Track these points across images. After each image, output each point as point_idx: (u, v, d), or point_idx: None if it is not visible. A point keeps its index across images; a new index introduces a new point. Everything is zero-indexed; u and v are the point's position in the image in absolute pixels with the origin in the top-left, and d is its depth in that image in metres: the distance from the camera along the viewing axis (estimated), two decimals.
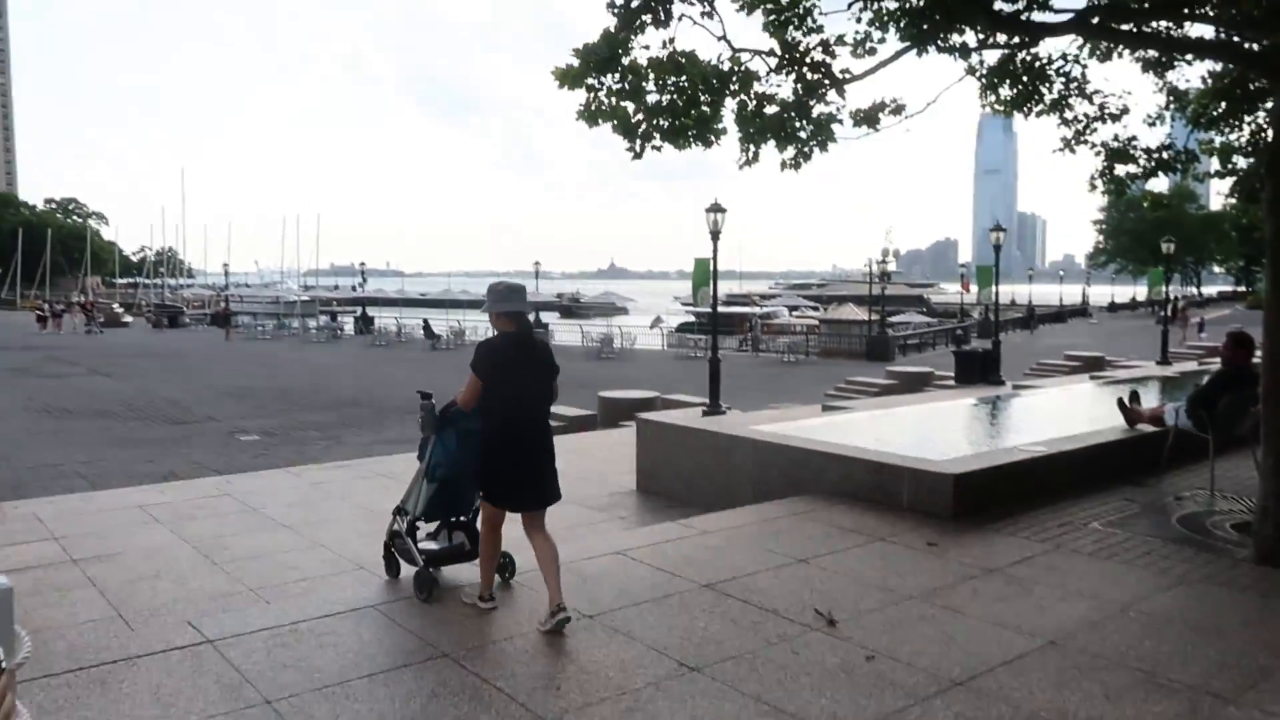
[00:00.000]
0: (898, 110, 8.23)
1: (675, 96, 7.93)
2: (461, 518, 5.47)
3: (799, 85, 8.11)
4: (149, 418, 19.31)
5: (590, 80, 7.48)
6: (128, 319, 57.90)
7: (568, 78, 7.44)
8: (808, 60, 7.81)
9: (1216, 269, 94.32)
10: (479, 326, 46.05)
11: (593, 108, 7.66)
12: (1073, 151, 11.05)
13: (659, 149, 7.87)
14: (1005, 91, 10.18)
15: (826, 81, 7.89)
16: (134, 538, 7.55)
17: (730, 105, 8.25)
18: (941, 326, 48.59)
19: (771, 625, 4.67)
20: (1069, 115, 10.67)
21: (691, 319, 57.71)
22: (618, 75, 7.55)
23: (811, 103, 8.00)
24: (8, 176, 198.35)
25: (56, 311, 52.33)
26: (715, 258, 16.41)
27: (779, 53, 7.95)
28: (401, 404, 21.90)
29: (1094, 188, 10.46)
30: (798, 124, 8.23)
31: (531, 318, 47.25)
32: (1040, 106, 10.51)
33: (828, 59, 7.90)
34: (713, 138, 8.04)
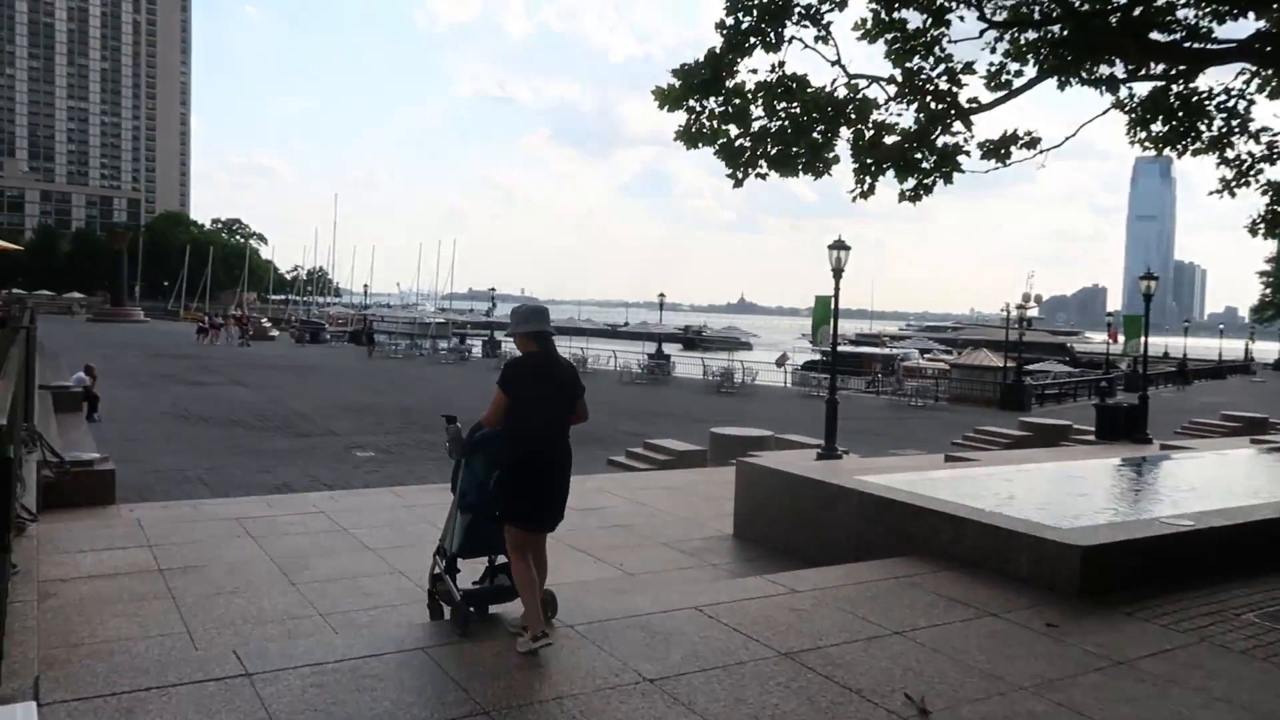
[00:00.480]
0: (1031, 144, 7.59)
1: (785, 123, 7.53)
2: (502, 558, 5.15)
3: (921, 114, 7.58)
4: (274, 428, 20.00)
5: (690, 102, 7.17)
6: (274, 333, 61.04)
7: (668, 98, 7.16)
8: (931, 89, 7.29)
9: None
10: (601, 355, 46.37)
11: (692, 130, 7.35)
12: (1232, 194, 10.16)
13: (764, 176, 7.47)
14: (1157, 127, 9.37)
15: (952, 112, 7.33)
16: (224, 550, 7.58)
17: (845, 134, 7.79)
18: (1084, 377, 45.86)
19: (853, 709, 4.13)
20: (1230, 154, 9.78)
21: (819, 357, 56.57)
22: (721, 98, 7.21)
23: (935, 133, 7.45)
24: (181, 198, 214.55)
25: (215, 324, 55.64)
26: (836, 295, 15.80)
27: (899, 80, 7.46)
28: None
29: (1255, 232, 9.47)
30: (919, 155, 7.69)
31: (653, 348, 47.33)
32: (1197, 145, 9.67)
33: (954, 88, 7.35)
34: (823, 166, 7.59)
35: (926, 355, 63.49)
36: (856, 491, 7.49)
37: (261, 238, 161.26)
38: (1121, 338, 65.06)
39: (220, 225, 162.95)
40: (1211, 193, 10.20)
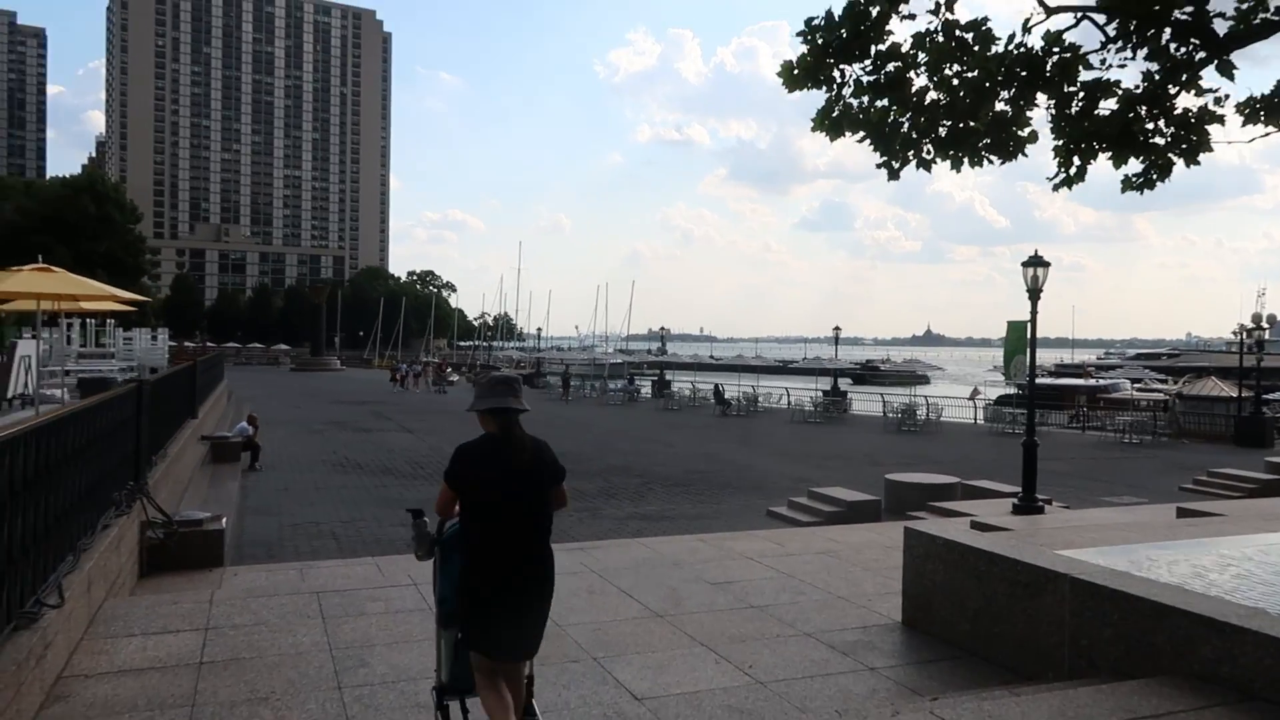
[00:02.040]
0: None
1: (960, 91, 5.73)
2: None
3: (1154, 65, 5.58)
4: (425, 475, 19.50)
5: (829, 73, 5.52)
6: (454, 378, 62.72)
7: (796, 75, 5.52)
8: (1170, 21, 5.26)
9: None
10: (773, 392, 44.38)
11: (834, 112, 5.65)
12: None
13: (929, 164, 5.69)
14: None
15: (1203, 52, 5.28)
16: (284, 635, 6.48)
17: (1042, 102, 5.89)
18: None
19: None
20: None
21: (1013, 391, 52.08)
22: (868, 64, 5.52)
23: (1173, 90, 5.46)
24: (381, 253, 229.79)
25: (416, 372, 57.83)
26: (1033, 320, 13.48)
27: (1120, 17, 5.49)
28: (670, 474, 20.57)
29: None
30: (1149, 125, 5.68)
31: (828, 384, 44.81)
32: None
33: (1201, 18, 5.31)
34: (1014, 147, 5.71)
35: (1137, 385, 57.23)
36: (1068, 577, 5.50)
37: (451, 287, 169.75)
38: None
39: (415, 277, 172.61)
40: None
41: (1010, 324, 15.66)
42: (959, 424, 36.91)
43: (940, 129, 5.73)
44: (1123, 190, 5.96)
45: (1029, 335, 13.61)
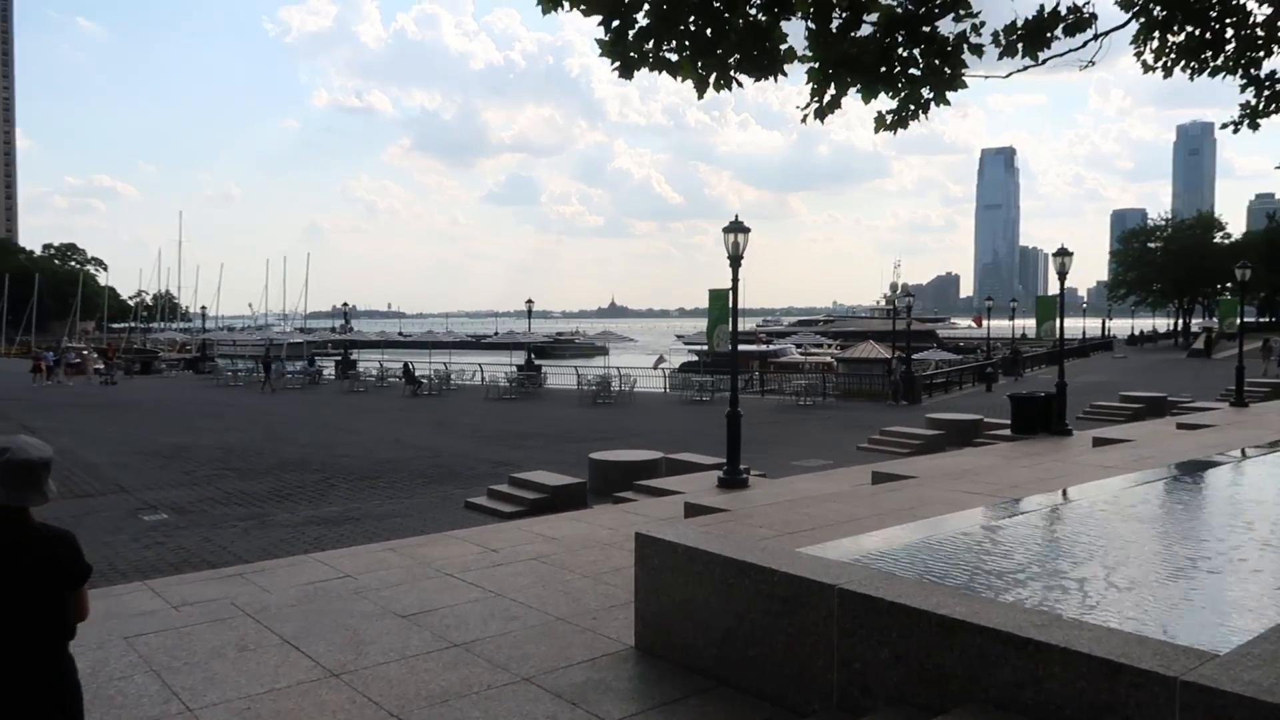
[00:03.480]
0: (1080, 25, 4.91)
1: None
2: None
3: None
4: None
5: None
6: (99, 365, 54.35)
7: None
8: None
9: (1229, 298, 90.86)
10: (466, 369, 42.75)
11: None
12: (1254, 126, 7.98)
13: (674, 71, 4.54)
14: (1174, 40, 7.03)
15: None
16: None
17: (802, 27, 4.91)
18: (966, 364, 45.10)
19: None
20: (1261, 73, 7.58)
21: (695, 358, 54.25)
22: None
23: (936, 8, 4.69)
24: (8, 224, 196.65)
25: (71, 361, 49.10)
26: (735, 287, 13.08)
27: None
28: (356, 466, 18.44)
29: None
30: (906, 54, 4.89)
31: (521, 359, 43.83)
32: (1219, 60, 7.38)
33: None
34: (769, 64, 4.68)
35: (800, 350, 61.93)
36: (835, 589, 4.60)
37: (100, 263, 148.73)
38: (987, 322, 65.86)
39: (53, 251, 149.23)
40: (1226, 125, 8.09)
41: (712, 292, 15.32)
42: (651, 394, 37.50)
43: (688, 28, 4.55)
44: (876, 130, 5.25)
45: (732, 304, 13.22)
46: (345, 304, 63.81)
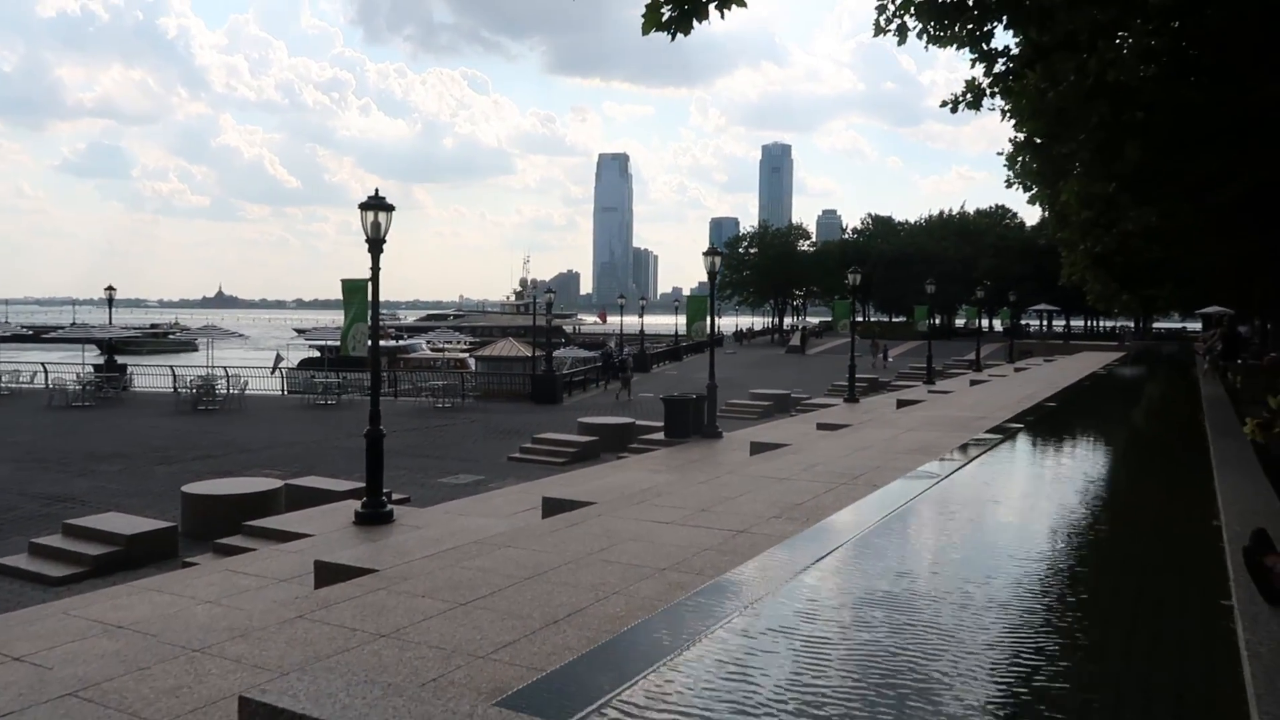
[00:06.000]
0: None
1: None
2: None
3: None
4: None
5: None
6: None
7: None
8: None
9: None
10: (24, 370, 34.77)
11: None
12: (976, 107, 7.48)
13: None
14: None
15: None
16: None
17: None
18: (600, 363, 45.46)
19: None
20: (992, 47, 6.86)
21: (316, 354, 49.40)
22: None
23: None
24: None
25: None
26: (376, 277, 10.61)
27: None
28: None
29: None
30: None
31: (98, 356, 36.58)
32: (956, 28, 6.58)
33: None
34: None
35: (430, 346, 58.43)
36: None
37: None
38: (612, 319, 67.77)
39: None
40: (945, 103, 7.41)
41: (345, 282, 12.64)
42: (265, 396, 32.94)
43: None
44: (644, 32, 3.42)
45: (370, 295, 10.74)
46: None
